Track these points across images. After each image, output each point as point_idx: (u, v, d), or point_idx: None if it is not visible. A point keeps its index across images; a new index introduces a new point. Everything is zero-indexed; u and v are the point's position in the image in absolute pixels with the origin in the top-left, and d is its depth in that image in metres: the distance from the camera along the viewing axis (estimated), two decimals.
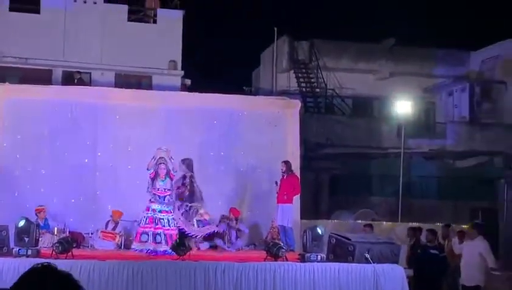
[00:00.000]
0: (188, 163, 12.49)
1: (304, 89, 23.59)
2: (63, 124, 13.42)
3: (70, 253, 9.15)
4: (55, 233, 11.42)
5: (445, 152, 22.31)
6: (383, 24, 25.37)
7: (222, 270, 8.97)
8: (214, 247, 12.42)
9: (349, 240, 9.80)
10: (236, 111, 14.21)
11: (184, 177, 12.35)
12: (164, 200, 11.09)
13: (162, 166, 11.30)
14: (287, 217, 12.05)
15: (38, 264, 1.70)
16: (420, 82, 24.28)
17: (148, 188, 11.36)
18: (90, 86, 17.41)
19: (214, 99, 14.23)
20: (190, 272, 8.85)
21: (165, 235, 10.71)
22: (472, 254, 10.58)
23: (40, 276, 1.61)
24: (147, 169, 11.45)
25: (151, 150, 13.30)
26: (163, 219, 10.88)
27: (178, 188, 12.08)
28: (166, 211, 11.06)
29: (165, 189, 11.21)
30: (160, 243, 10.64)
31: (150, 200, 11.19)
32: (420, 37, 23.73)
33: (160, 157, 11.41)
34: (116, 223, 12.46)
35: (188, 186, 12.25)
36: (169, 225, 10.90)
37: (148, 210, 11.04)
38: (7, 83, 14.03)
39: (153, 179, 11.26)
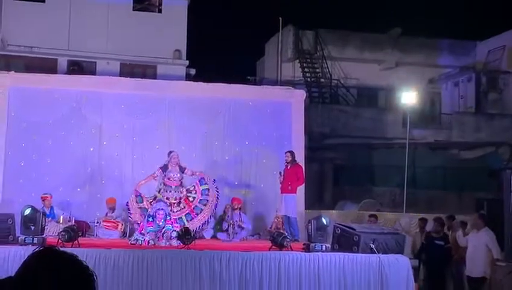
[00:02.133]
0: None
1: (308, 79, 23.55)
2: (68, 113, 13.46)
3: (76, 242, 9.20)
4: (61, 222, 11.48)
5: (451, 143, 22.27)
6: (389, 14, 25.28)
7: (227, 259, 9.00)
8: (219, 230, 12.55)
9: (354, 230, 9.82)
10: (240, 101, 14.21)
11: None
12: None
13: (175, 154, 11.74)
14: (291, 207, 12.06)
15: (40, 247, 1.69)
16: (426, 72, 24.23)
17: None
18: (95, 75, 17.43)
19: (219, 89, 14.24)
20: (195, 261, 8.89)
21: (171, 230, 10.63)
22: (477, 245, 10.59)
23: (46, 258, 1.61)
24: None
25: (156, 140, 13.38)
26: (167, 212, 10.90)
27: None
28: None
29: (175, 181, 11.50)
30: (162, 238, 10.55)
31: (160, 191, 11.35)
32: (426, 27, 23.65)
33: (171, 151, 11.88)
34: (113, 211, 12.53)
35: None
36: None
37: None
38: (12, 72, 14.04)
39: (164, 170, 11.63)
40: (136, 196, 11.66)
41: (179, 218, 11.50)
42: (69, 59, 18.93)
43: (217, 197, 12.11)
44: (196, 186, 12.06)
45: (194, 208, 11.84)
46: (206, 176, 12.28)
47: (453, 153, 22.47)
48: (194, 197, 11.94)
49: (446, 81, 25.00)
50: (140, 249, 9.48)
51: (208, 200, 11.98)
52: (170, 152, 12.05)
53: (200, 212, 11.86)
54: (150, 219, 10.60)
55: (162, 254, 9.00)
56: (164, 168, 11.81)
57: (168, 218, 10.72)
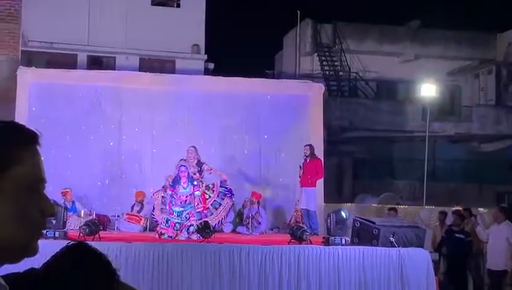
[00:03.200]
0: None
1: (327, 73, 23.46)
2: (88, 108, 13.58)
3: (97, 235, 9.29)
4: (82, 216, 11.59)
5: (471, 135, 22.08)
6: (407, 6, 25.05)
7: (247, 253, 9.03)
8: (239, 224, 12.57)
9: (374, 223, 9.78)
10: (259, 95, 14.23)
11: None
12: (185, 202, 10.59)
13: (183, 168, 10.63)
14: (310, 200, 12.07)
15: (71, 242, 1.73)
16: (446, 65, 24.00)
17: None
18: (114, 70, 17.52)
19: (237, 83, 14.27)
20: (215, 255, 8.93)
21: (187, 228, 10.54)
22: (498, 239, 10.51)
23: (77, 253, 1.64)
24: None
25: (174, 134, 13.43)
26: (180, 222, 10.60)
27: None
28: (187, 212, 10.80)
29: (186, 195, 10.62)
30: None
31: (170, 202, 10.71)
32: (446, 18, 23.40)
33: (181, 160, 10.88)
34: (142, 206, 12.61)
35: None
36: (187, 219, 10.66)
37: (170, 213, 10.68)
38: (33, 67, 14.18)
39: (174, 183, 10.71)
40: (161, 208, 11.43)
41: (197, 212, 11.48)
42: (88, 54, 19.02)
43: (230, 208, 12.09)
44: (215, 186, 11.98)
45: (212, 202, 11.83)
46: (229, 180, 12.16)
47: (473, 146, 22.28)
48: (210, 196, 11.89)
49: (466, 73, 24.75)
50: (161, 242, 9.54)
51: (220, 204, 11.92)
52: (188, 148, 11.79)
53: (218, 206, 11.85)
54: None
55: (182, 248, 9.05)
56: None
57: (193, 184, 10.53)
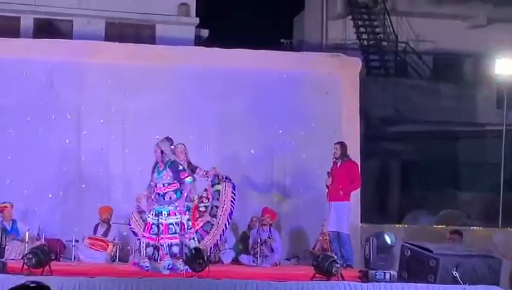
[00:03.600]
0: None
1: (365, 42, 23.47)
2: (36, 91, 13.62)
3: (47, 267, 9.29)
4: (26, 240, 11.60)
5: None
6: None
7: None
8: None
9: (430, 251, 9.78)
10: (271, 73, 14.25)
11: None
12: (164, 198, 10.54)
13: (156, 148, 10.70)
14: (342, 219, 12.06)
15: (29, 282, 1.73)
16: None
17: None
18: (71, 39, 17.57)
19: (241, 57, 14.30)
20: None
21: (168, 246, 10.53)
22: None
23: None
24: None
25: (155, 127, 13.43)
26: (159, 223, 10.54)
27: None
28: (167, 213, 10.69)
29: (163, 184, 10.54)
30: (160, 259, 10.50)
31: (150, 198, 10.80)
32: None
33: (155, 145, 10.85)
34: (108, 226, 12.64)
35: None
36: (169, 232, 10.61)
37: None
38: None
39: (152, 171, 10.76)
40: (140, 213, 11.57)
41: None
42: (35, 17, 19.09)
43: (232, 201, 12.05)
44: (208, 190, 12.03)
45: (203, 225, 11.80)
46: (220, 173, 12.20)
47: None
48: (206, 207, 11.91)
49: None
50: (135, 276, 9.55)
51: (217, 208, 11.92)
52: (173, 145, 11.91)
53: (211, 228, 11.83)
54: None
55: (165, 284, 9.05)
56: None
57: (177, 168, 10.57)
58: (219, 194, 12.02)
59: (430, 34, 23.73)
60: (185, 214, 10.59)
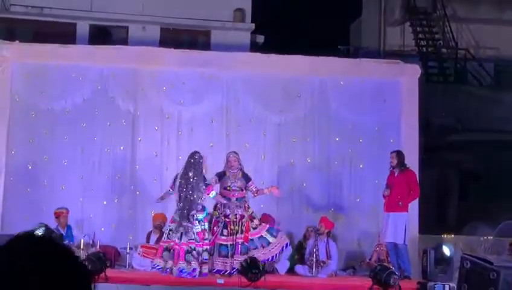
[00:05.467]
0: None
1: (424, 49, 23.33)
2: (91, 98, 13.78)
3: (102, 274, 9.42)
4: (81, 247, 11.75)
5: None
6: None
7: None
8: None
9: (491, 264, 9.68)
10: (328, 80, 14.24)
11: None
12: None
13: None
14: (400, 230, 12.03)
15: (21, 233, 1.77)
16: None
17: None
18: (127, 45, 17.76)
19: (297, 63, 14.29)
20: None
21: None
22: None
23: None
24: None
25: (209, 134, 13.54)
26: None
27: None
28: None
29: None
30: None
31: None
32: None
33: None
34: (161, 234, 12.71)
35: None
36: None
37: None
38: (17, 42, 14.45)
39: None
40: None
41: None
42: (91, 24, 19.32)
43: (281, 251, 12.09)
44: (262, 229, 11.94)
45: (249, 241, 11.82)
46: (281, 229, 12.24)
47: None
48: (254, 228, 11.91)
49: None
50: (190, 285, 9.64)
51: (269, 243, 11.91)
52: (228, 155, 12.05)
53: (268, 243, 11.82)
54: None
55: None
56: (220, 175, 11.91)
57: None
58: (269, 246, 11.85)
59: (491, 40, 23.52)
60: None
